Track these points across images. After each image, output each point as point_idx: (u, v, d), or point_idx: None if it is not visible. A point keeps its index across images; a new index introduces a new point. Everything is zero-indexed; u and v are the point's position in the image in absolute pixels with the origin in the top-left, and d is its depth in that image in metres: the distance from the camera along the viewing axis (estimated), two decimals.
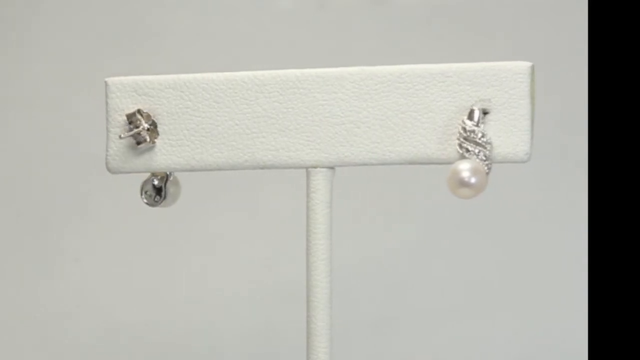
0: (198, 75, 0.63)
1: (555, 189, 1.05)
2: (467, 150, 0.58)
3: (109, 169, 0.64)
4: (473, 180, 0.57)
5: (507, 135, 0.59)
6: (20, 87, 1.07)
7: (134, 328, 1.04)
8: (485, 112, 0.59)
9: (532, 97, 0.59)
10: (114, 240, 1.05)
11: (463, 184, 0.57)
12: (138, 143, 0.63)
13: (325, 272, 0.61)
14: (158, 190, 0.65)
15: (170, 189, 0.66)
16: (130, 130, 0.63)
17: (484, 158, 0.58)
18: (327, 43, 1.06)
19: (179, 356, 1.03)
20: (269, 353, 1.03)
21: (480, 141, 0.58)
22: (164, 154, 0.63)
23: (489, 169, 0.59)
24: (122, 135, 0.63)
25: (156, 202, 0.66)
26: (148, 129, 0.63)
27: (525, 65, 0.59)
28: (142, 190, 0.66)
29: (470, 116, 0.59)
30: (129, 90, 0.64)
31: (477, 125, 0.58)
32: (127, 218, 1.05)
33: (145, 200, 0.66)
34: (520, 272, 1.04)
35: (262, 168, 0.62)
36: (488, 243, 1.04)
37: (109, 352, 1.03)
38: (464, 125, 0.58)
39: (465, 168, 0.57)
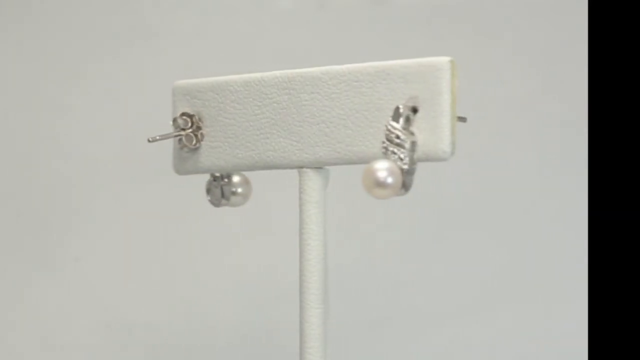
0: (227, 78, 0.64)
1: (555, 189, 1.05)
2: (386, 150, 0.58)
3: (174, 171, 0.66)
4: (390, 180, 0.56)
5: (429, 133, 0.58)
6: (20, 87, 1.07)
7: (134, 328, 1.04)
8: (415, 110, 0.58)
9: (453, 94, 0.58)
10: (114, 240, 1.05)
11: (379, 184, 0.56)
12: (182, 147, 0.64)
13: (313, 272, 0.61)
14: (219, 189, 0.67)
15: (238, 188, 0.67)
16: (177, 133, 0.64)
17: (400, 157, 0.57)
18: (327, 43, 1.06)
19: (179, 356, 1.03)
20: (269, 353, 1.03)
21: (397, 141, 0.57)
22: (206, 156, 0.65)
23: (410, 168, 0.57)
24: (150, 139, 0.64)
25: (218, 201, 0.67)
26: (193, 132, 0.64)
27: (444, 60, 0.58)
28: (207, 189, 0.67)
29: (394, 114, 0.58)
30: (184, 93, 0.65)
31: (404, 125, 0.57)
32: (127, 218, 1.06)
33: (209, 198, 0.67)
34: (519, 272, 1.04)
35: (266, 169, 0.63)
36: (486, 243, 1.04)
37: (108, 352, 1.03)
38: (386, 124, 0.58)
39: (381, 167, 0.56)
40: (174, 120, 0.65)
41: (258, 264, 1.05)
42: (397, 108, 0.58)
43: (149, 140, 0.65)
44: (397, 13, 1.07)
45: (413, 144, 0.57)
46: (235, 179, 0.67)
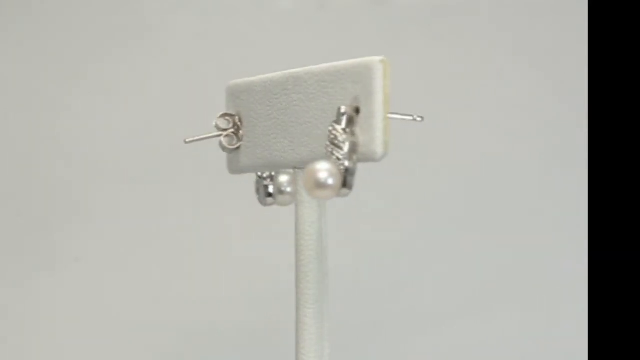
0: (253, 78, 0.64)
1: (555, 189, 1.05)
2: (327, 151, 0.57)
3: (228, 171, 0.66)
4: (330, 181, 0.56)
5: (364, 133, 0.57)
6: (19, 87, 1.07)
7: (133, 327, 1.04)
8: (357, 111, 0.57)
9: (385, 94, 0.57)
10: (114, 240, 1.05)
11: (319, 185, 0.56)
12: (223, 148, 0.64)
13: (306, 272, 0.61)
14: (266, 189, 0.66)
15: (287, 187, 0.66)
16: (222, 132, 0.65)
17: (339, 158, 0.57)
18: (327, 43, 1.06)
19: (179, 356, 1.03)
20: (269, 353, 1.03)
21: (336, 142, 0.57)
22: (243, 155, 0.65)
23: (350, 169, 0.57)
24: (187, 141, 0.64)
25: (263, 200, 0.67)
26: (234, 132, 0.64)
27: (375, 60, 0.57)
28: (256, 189, 0.67)
29: (337, 115, 0.57)
30: (231, 94, 0.65)
31: (344, 126, 0.57)
32: (127, 218, 1.06)
33: (257, 197, 0.67)
34: (519, 273, 1.04)
35: (274, 169, 0.64)
36: (486, 243, 1.04)
37: (107, 352, 1.03)
38: (330, 125, 0.58)
39: (321, 169, 0.56)
40: (216, 122, 0.64)
41: (258, 264, 1.05)
42: (339, 109, 0.57)
43: (185, 142, 0.65)
44: (397, 13, 1.07)
45: (353, 144, 0.57)
46: (283, 178, 0.67)
